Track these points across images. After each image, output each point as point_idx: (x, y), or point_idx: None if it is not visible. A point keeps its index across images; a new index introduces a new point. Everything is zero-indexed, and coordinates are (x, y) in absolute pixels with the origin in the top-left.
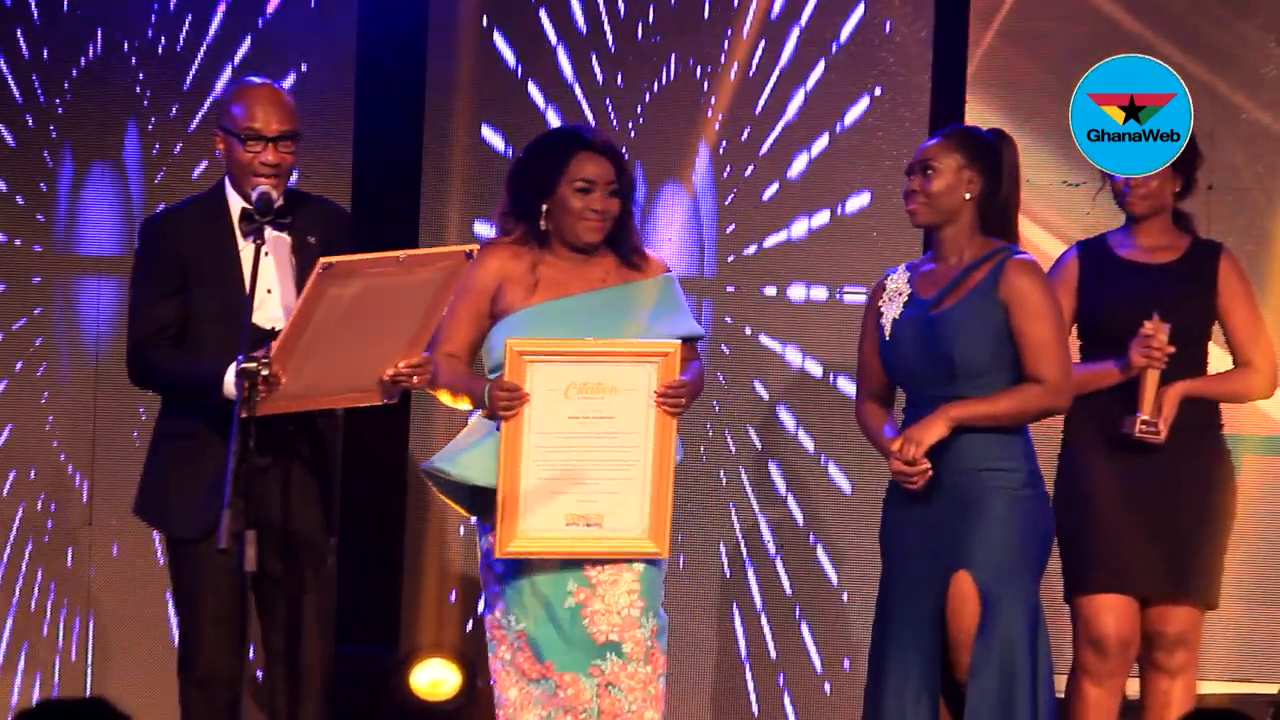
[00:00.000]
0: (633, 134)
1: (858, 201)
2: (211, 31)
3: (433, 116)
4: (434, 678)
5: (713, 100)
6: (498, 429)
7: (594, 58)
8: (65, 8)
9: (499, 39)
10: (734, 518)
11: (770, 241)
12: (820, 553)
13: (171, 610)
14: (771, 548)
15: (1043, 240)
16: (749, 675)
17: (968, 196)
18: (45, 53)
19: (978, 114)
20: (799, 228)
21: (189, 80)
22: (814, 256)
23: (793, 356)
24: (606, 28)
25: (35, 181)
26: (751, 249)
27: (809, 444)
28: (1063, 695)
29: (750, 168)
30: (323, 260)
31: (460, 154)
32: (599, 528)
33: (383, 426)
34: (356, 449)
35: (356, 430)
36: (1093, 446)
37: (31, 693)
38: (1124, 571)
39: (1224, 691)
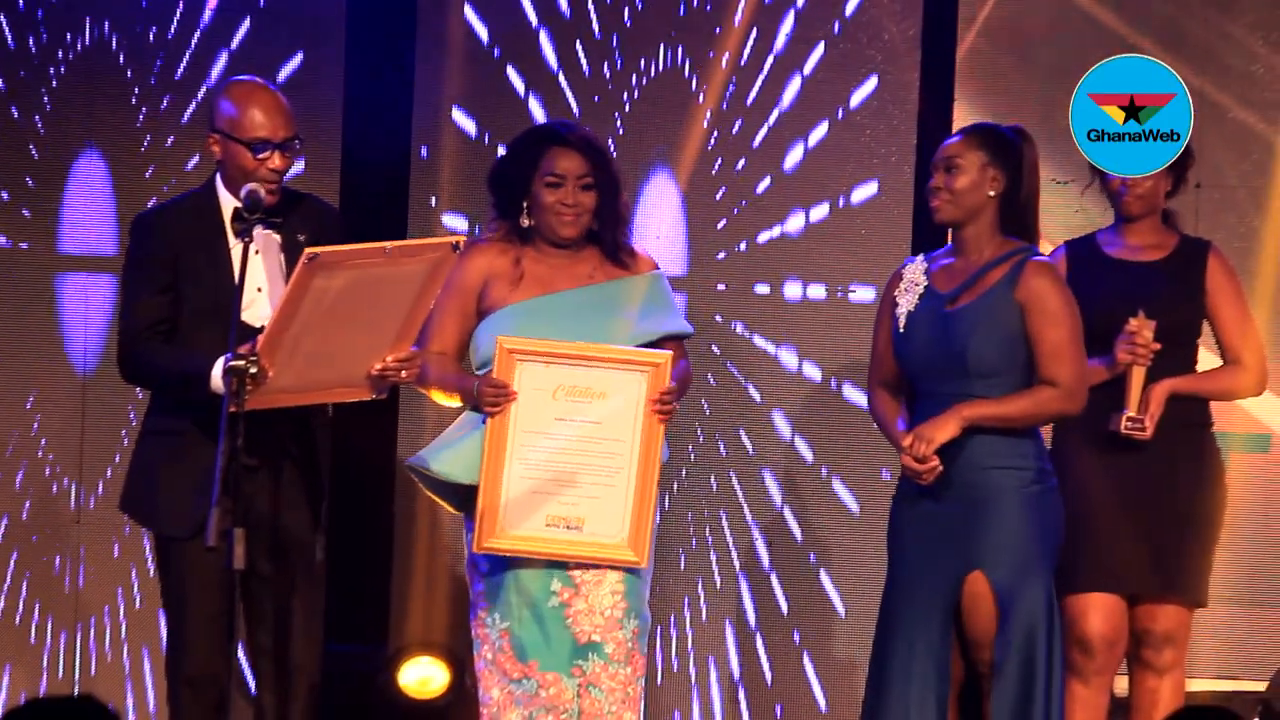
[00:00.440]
0: (620, 129)
1: (852, 197)
2: (202, 23)
3: (420, 113)
4: (422, 676)
5: (703, 91)
6: (483, 423)
7: (579, 45)
8: None
9: (472, 16)
10: (725, 525)
11: (763, 237)
12: (823, 575)
13: (160, 609)
14: (765, 559)
15: None
16: (742, 696)
17: (991, 194)
18: (31, 43)
19: (965, 112)
20: (791, 225)
21: (180, 72)
22: (802, 253)
23: (787, 358)
24: (592, 14)
25: (21, 176)
26: (743, 245)
27: (806, 452)
28: None
29: (741, 161)
30: (308, 251)
31: (449, 150)
32: (579, 531)
33: (372, 425)
34: (345, 447)
35: (345, 428)
36: (1081, 445)
37: (19, 693)
38: (1112, 570)
39: (1212, 689)
